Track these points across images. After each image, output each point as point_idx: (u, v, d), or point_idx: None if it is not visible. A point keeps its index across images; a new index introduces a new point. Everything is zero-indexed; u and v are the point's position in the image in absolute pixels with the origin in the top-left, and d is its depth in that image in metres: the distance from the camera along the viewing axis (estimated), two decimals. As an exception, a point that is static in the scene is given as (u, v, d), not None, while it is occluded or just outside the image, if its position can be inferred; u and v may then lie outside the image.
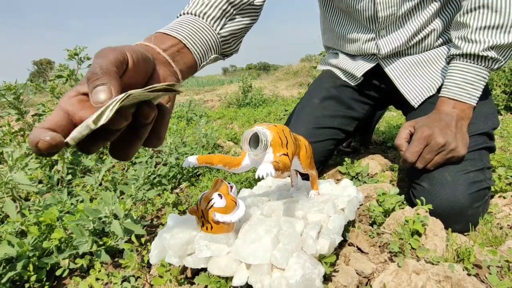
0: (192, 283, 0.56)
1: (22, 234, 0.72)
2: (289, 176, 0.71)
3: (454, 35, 0.74)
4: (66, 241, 0.67)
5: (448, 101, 0.73)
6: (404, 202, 0.77)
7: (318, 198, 0.65)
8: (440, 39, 0.86)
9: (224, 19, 0.61)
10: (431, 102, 0.84)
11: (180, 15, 0.60)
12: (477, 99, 0.72)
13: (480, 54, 0.68)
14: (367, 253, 0.62)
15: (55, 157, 1.07)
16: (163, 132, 0.38)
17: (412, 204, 0.75)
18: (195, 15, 0.58)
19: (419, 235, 0.63)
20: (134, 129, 0.34)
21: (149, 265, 0.65)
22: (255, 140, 0.52)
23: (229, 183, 0.53)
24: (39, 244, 0.65)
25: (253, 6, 0.66)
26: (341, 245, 0.63)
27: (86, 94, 0.33)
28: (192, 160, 0.50)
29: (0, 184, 0.74)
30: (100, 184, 1.01)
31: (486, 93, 0.81)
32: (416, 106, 0.88)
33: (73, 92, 0.33)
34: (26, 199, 1.01)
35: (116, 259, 0.68)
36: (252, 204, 0.62)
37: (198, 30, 0.56)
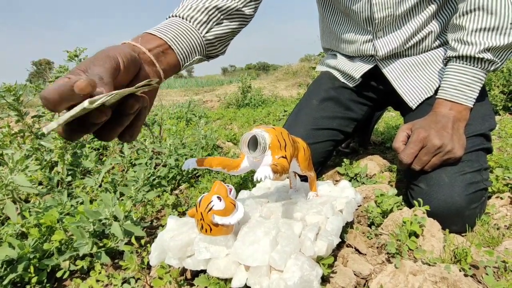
0: (192, 285, 0.57)
1: (23, 236, 0.73)
2: (287, 178, 0.72)
3: (451, 37, 0.74)
4: (67, 243, 0.68)
5: (445, 103, 0.73)
6: (403, 203, 0.77)
7: (317, 199, 0.65)
8: (438, 40, 0.87)
9: (210, 23, 0.63)
10: (429, 104, 0.84)
11: (169, 17, 0.62)
12: (474, 100, 0.72)
13: (476, 56, 0.69)
14: (365, 254, 0.62)
15: (55, 158, 1.07)
16: (137, 131, 0.43)
17: (410, 205, 0.76)
18: (182, 18, 0.61)
19: (417, 236, 0.64)
20: (118, 117, 0.39)
21: (149, 267, 0.65)
22: (253, 143, 0.52)
23: (228, 186, 0.53)
24: (39, 246, 0.65)
25: (242, 13, 0.69)
26: (339, 246, 0.64)
27: None
28: (191, 162, 0.51)
29: (0, 186, 0.75)
30: (100, 186, 1.02)
31: (483, 94, 0.81)
32: (414, 107, 0.88)
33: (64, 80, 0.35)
34: (26, 201, 1.02)
35: (116, 261, 0.69)
36: (250, 206, 0.62)
37: (184, 32, 0.59)
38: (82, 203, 0.87)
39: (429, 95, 0.87)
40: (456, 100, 0.72)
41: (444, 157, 0.70)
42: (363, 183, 0.98)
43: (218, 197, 0.49)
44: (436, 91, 0.85)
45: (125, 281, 0.61)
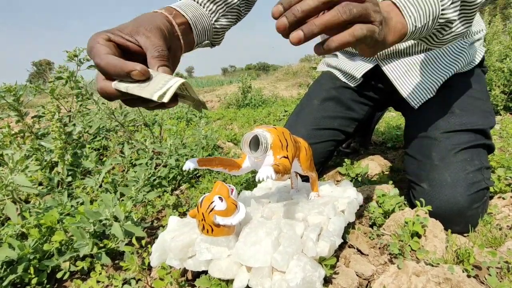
0: (193, 286, 0.56)
1: (23, 236, 0.72)
2: (289, 178, 0.72)
3: None
4: (67, 244, 0.68)
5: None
6: (405, 203, 0.77)
7: (318, 200, 0.65)
8: None
9: (217, 14, 0.66)
10: (432, 103, 0.84)
11: None
12: (415, 28, 0.52)
13: None
14: (367, 255, 0.62)
15: (55, 158, 1.07)
16: None
17: (412, 205, 0.76)
18: (197, 2, 0.63)
19: (419, 236, 0.63)
20: None
21: (149, 268, 0.65)
22: (255, 143, 0.52)
23: (229, 186, 0.53)
24: (39, 247, 0.65)
25: (239, 11, 0.72)
26: (341, 247, 0.63)
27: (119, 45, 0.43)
28: (192, 163, 0.51)
29: (0, 187, 0.74)
30: (100, 186, 1.01)
31: (485, 92, 0.81)
32: (416, 107, 0.88)
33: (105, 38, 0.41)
34: (26, 201, 1.01)
35: (116, 262, 0.68)
36: (252, 206, 0.62)
37: (201, 16, 0.61)
38: (82, 203, 0.87)
39: (431, 95, 0.86)
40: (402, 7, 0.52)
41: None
42: (364, 183, 0.98)
43: (219, 197, 0.48)
44: (438, 91, 0.84)
45: (126, 282, 0.61)
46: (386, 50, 0.87)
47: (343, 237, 0.62)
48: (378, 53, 0.89)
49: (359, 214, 0.79)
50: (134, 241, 0.66)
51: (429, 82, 0.87)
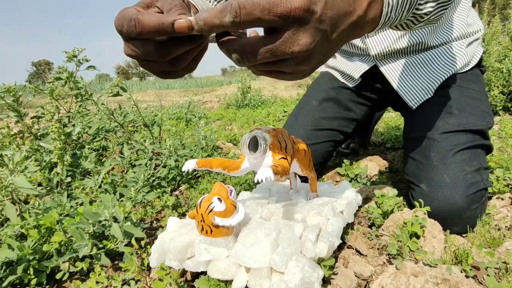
0: (192, 287, 0.56)
1: (22, 237, 0.72)
2: (288, 179, 0.72)
3: None
4: (66, 244, 0.68)
5: None
6: (404, 204, 0.77)
7: (317, 200, 0.65)
8: (436, 40, 0.86)
9: None
10: (430, 103, 0.84)
11: None
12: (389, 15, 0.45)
13: None
14: (366, 256, 0.62)
15: (54, 159, 1.07)
16: (198, 62, 0.44)
17: (411, 206, 0.76)
18: None
19: (418, 237, 0.63)
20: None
21: (149, 268, 0.65)
22: (254, 144, 0.52)
23: (228, 187, 0.53)
24: (39, 248, 0.65)
25: None
26: (340, 247, 0.63)
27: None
28: (191, 164, 0.51)
29: (0, 187, 0.74)
30: (100, 187, 1.01)
31: (483, 92, 0.81)
32: (414, 107, 0.88)
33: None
34: (26, 202, 1.01)
35: (116, 262, 0.69)
36: (251, 207, 0.62)
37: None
38: (81, 204, 0.87)
39: (429, 96, 0.87)
40: None
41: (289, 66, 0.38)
42: (364, 184, 0.98)
43: (218, 198, 0.48)
44: (436, 91, 0.85)
45: (125, 282, 0.61)
46: (384, 50, 0.87)
47: (342, 238, 0.62)
48: (376, 53, 0.89)
49: (358, 215, 0.79)
50: (133, 241, 0.66)
51: (427, 82, 0.87)
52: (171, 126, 1.64)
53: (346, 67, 0.99)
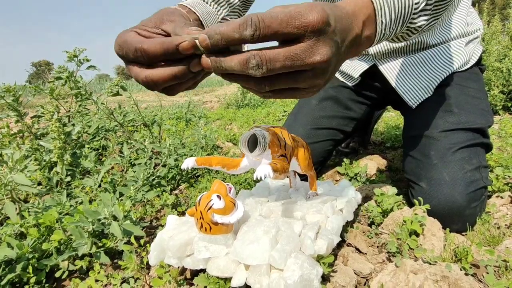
0: (191, 284, 0.56)
1: (22, 236, 0.72)
2: (287, 177, 0.72)
3: None
4: (66, 243, 0.68)
5: None
6: (403, 202, 0.77)
7: (317, 198, 0.65)
8: (435, 38, 0.86)
9: (222, 15, 0.67)
10: (428, 101, 0.84)
11: None
12: (387, 18, 0.45)
13: None
14: (365, 253, 0.62)
15: (54, 158, 1.07)
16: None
17: (411, 204, 0.76)
18: (203, 0, 0.63)
19: (417, 235, 0.63)
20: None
21: (148, 266, 0.65)
22: (253, 142, 0.52)
23: (227, 185, 0.53)
24: (38, 246, 0.65)
25: (240, 12, 0.74)
26: (340, 245, 0.63)
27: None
28: (190, 162, 0.51)
29: (0, 186, 0.75)
30: (99, 186, 1.01)
31: (483, 90, 0.81)
32: (413, 106, 0.88)
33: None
34: (25, 201, 1.01)
35: (115, 261, 0.69)
36: (250, 205, 0.62)
37: (209, 14, 0.62)
38: (81, 203, 0.87)
39: (429, 95, 0.87)
40: None
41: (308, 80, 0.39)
42: (363, 182, 0.98)
43: (217, 195, 0.49)
44: (435, 90, 0.85)
45: (124, 281, 0.61)
46: (383, 49, 0.88)
47: (341, 236, 0.62)
48: (375, 53, 0.89)
49: (358, 213, 0.79)
50: (132, 240, 0.66)
51: (426, 81, 0.87)
52: (171, 126, 1.64)
53: (345, 66, 0.99)
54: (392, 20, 0.45)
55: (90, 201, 0.90)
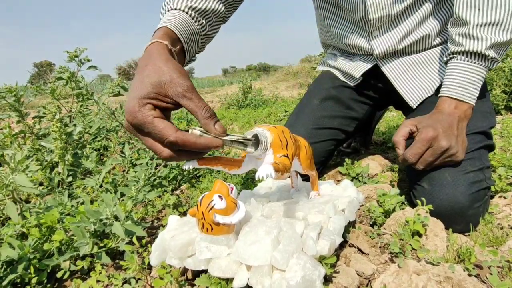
0: (193, 285, 0.56)
1: (23, 236, 0.72)
2: (289, 177, 0.71)
3: (454, 32, 0.72)
4: (67, 243, 0.68)
5: (450, 101, 0.72)
6: (405, 203, 0.77)
7: (319, 199, 0.65)
8: (438, 38, 0.86)
9: (207, 28, 0.69)
10: (430, 102, 0.84)
11: (174, 9, 0.64)
12: (476, 99, 0.72)
13: (483, 52, 0.67)
14: (368, 254, 0.62)
15: (55, 158, 1.07)
16: None
17: (413, 205, 0.75)
18: (190, 16, 0.64)
19: (420, 235, 0.63)
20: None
21: (149, 267, 0.65)
22: (255, 142, 0.52)
23: (229, 185, 0.53)
24: (40, 246, 0.65)
25: (224, 18, 0.76)
26: (342, 246, 0.63)
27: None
28: (192, 162, 0.50)
29: (1, 187, 0.75)
30: (101, 186, 1.01)
31: (485, 92, 0.81)
32: (414, 106, 0.88)
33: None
34: (27, 201, 1.01)
35: (116, 261, 0.68)
36: (252, 205, 0.62)
37: (192, 34, 0.64)
38: (82, 203, 0.87)
39: (429, 94, 0.86)
40: (462, 98, 0.71)
41: (446, 159, 0.69)
42: (365, 183, 0.97)
43: (219, 196, 0.48)
44: (437, 90, 0.84)
45: (126, 281, 0.61)
46: (381, 50, 0.88)
47: (344, 236, 0.62)
48: (379, 53, 0.88)
49: (360, 214, 0.79)
50: (134, 240, 0.66)
51: (427, 81, 0.86)
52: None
53: (347, 66, 0.99)
54: (477, 90, 0.71)
55: (92, 201, 0.90)
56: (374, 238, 0.67)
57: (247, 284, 0.46)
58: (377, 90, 1.01)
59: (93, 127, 1.39)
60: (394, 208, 0.73)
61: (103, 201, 0.74)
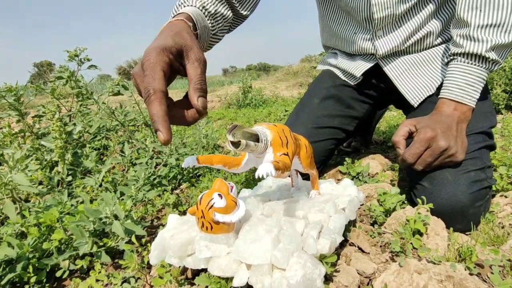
0: (192, 284, 0.56)
1: (22, 235, 0.72)
2: (289, 176, 0.71)
3: (455, 33, 0.72)
4: (66, 242, 0.67)
5: (449, 103, 0.72)
6: (405, 202, 0.76)
7: (319, 198, 0.65)
8: (440, 38, 0.86)
9: (216, 29, 0.70)
10: (431, 102, 0.83)
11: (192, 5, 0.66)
12: (476, 101, 0.71)
13: (484, 54, 0.67)
14: (368, 253, 0.61)
15: (55, 158, 1.07)
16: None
17: (413, 204, 0.75)
18: (203, 13, 0.65)
19: (421, 234, 0.63)
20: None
21: (149, 266, 0.64)
22: (255, 140, 0.51)
23: (229, 183, 0.53)
24: (39, 246, 0.65)
25: (230, 25, 0.78)
26: (342, 245, 0.63)
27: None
28: (191, 160, 0.50)
29: (0, 185, 0.74)
30: (100, 185, 1.01)
31: (485, 91, 0.80)
32: (415, 105, 0.88)
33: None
34: (26, 201, 1.01)
35: (116, 260, 0.68)
36: (252, 204, 0.61)
37: (204, 28, 0.64)
38: (82, 202, 0.86)
39: (430, 93, 0.86)
40: (461, 100, 0.71)
41: (445, 160, 0.69)
42: (365, 182, 0.97)
43: (219, 194, 0.48)
44: (438, 89, 0.84)
45: (125, 280, 0.60)
46: (385, 50, 0.87)
47: (344, 235, 0.61)
48: (383, 53, 0.88)
49: (360, 213, 0.78)
50: (133, 239, 0.66)
51: (429, 80, 0.86)
52: (172, 125, 1.63)
53: (347, 65, 0.98)
54: (477, 92, 0.71)
55: (91, 201, 0.90)
56: (375, 237, 0.67)
57: (247, 283, 0.46)
58: (377, 89, 1.00)
59: (93, 126, 1.38)
60: (395, 207, 0.73)
61: (102, 200, 0.73)
